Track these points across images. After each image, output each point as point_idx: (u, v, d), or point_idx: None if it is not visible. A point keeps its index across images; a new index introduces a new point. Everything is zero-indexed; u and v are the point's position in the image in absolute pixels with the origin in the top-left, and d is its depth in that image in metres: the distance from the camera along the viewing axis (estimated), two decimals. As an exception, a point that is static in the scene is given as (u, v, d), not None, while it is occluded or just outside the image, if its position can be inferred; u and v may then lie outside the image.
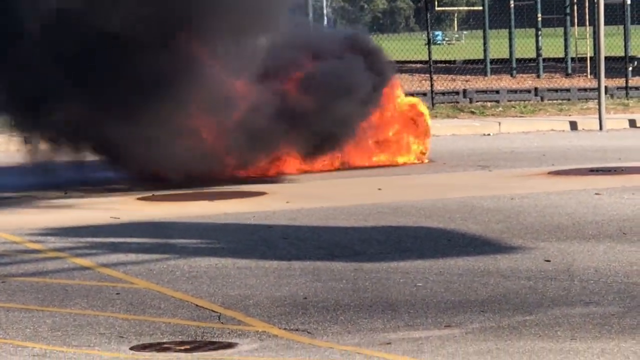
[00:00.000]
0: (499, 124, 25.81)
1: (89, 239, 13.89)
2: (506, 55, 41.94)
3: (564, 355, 8.29)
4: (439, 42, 51.22)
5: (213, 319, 9.91)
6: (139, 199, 17.06)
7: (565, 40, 40.80)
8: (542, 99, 29.87)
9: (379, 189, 16.97)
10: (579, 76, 35.80)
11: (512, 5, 42.89)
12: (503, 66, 40.56)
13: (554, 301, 10.08)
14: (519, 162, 19.87)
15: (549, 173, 17.99)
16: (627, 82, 29.17)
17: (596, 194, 15.73)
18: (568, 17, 41.14)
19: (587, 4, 35.49)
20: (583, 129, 25.21)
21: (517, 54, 41.56)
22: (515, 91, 32.16)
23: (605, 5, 25.87)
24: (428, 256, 12.09)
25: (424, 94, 27.05)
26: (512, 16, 42.61)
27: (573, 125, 25.14)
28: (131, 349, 8.86)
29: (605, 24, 26.38)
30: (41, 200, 16.94)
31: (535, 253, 12.00)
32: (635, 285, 10.55)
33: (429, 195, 16.48)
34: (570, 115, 26.79)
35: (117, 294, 11.10)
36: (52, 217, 15.46)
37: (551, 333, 8.92)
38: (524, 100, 29.75)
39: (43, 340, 9.28)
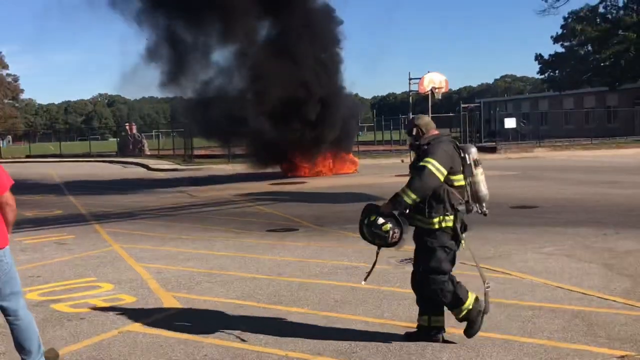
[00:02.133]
0: (382, 161, 25.52)
1: (252, 197, 13.59)
2: (381, 139, 41.60)
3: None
4: (360, 135, 51.02)
5: (291, 221, 9.67)
6: (268, 184, 16.67)
7: (399, 136, 40.50)
8: (392, 153, 29.73)
9: (341, 180, 17.00)
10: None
11: (383, 124, 42.77)
12: (383, 145, 40.23)
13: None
14: (388, 171, 19.72)
15: (395, 175, 17.81)
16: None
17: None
18: (403, 123, 40.48)
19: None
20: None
21: (385, 139, 41.07)
22: (384, 151, 31.35)
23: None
24: (357, 202, 12.08)
25: (356, 151, 26.81)
26: (382, 124, 42.34)
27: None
28: (267, 231, 8.82)
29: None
30: (236, 187, 16.94)
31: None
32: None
33: (359, 182, 16.07)
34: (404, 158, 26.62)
35: (258, 214, 10.76)
36: (240, 189, 15.36)
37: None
38: (388, 154, 29.38)
39: (238, 233, 8.99)
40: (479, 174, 3.86)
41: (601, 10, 36.43)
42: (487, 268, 6.01)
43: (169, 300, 5.23)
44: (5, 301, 3.49)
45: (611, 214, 9.27)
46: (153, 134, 53.77)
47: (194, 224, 9.85)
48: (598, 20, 36.07)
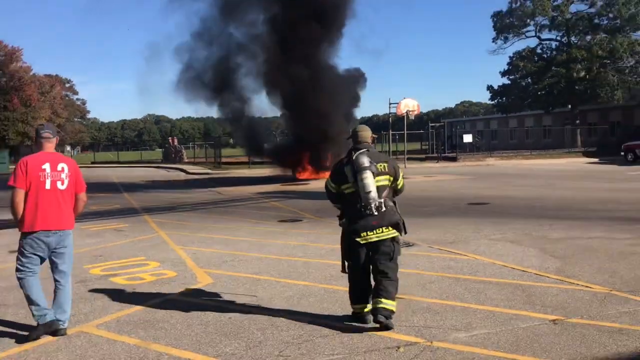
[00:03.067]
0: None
1: (266, 195, 13.18)
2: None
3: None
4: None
5: (296, 214, 9.43)
6: (280, 185, 16.30)
7: (381, 148, 38.83)
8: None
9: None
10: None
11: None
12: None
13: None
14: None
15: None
16: (405, 160, 28.42)
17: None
18: (385, 138, 39.80)
19: (390, 138, 33.31)
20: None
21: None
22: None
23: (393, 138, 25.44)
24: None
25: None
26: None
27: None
28: (278, 221, 8.67)
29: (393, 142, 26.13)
30: (254, 187, 16.74)
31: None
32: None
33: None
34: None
35: (272, 208, 10.51)
36: (257, 189, 14.95)
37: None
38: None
39: (255, 223, 8.77)
40: (362, 179, 3.52)
41: (538, 51, 37.26)
42: (449, 251, 6.00)
43: (202, 275, 5.21)
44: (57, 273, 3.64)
45: (546, 209, 9.19)
46: (190, 145, 54.80)
47: (221, 216, 9.74)
48: (536, 58, 36.69)
